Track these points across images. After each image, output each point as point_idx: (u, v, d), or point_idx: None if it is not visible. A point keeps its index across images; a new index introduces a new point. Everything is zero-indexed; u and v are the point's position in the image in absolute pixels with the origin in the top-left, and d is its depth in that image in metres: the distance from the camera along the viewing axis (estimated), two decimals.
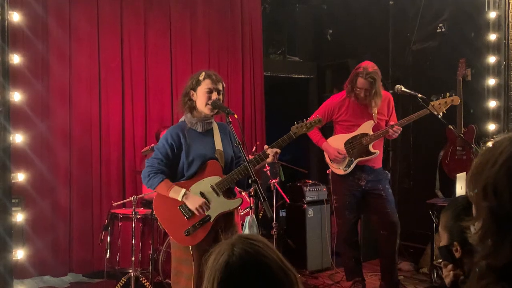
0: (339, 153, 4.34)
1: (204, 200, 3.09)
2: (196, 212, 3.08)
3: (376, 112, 4.32)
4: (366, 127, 4.31)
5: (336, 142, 4.41)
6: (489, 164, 1.03)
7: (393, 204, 4.41)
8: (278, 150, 3.09)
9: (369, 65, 4.24)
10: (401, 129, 4.24)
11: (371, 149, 4.30)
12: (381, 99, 4.33)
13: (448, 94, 4.09)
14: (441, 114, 4.01)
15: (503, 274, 0.97)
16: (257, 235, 1.32)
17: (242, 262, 1.20)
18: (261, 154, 3.10)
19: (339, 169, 4.41)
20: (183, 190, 3.07)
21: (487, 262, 1.00)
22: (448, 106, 4.07)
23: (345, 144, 4.35)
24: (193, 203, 3.08)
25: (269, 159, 3.10)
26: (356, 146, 4.31)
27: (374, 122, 4.32)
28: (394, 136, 4.27)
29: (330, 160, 4.46)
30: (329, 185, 4.73)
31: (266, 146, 3.14)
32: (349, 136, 4.36)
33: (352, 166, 4.34)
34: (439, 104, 4.04)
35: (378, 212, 4.42)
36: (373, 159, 4.37)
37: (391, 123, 4.33)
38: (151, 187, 3.14)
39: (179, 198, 3.07)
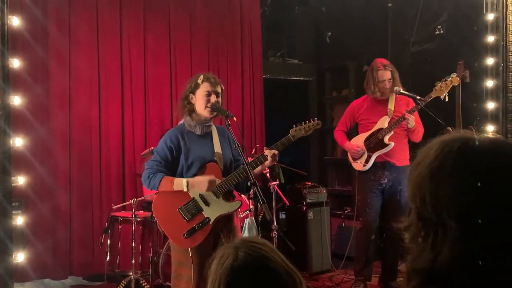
0: (358, 147, 4.47)
1: (209, 177, 3.08)
2: (209, 190, 3.08)
3: (393, 108, 4.44)
4: (382, 122, 4.45)
5: (356, 141, 4.57)
6: (419, 165, 1.03)
7: (405, 208, 4.45)
8: (276, 152, 3.10)
9: (381, 60, 4.56)
10: (413, 117, 4.29)
11: (386, 141, 4.39)
12: (401, 98, 4.47)
13: (450, 77, 4.20)
14: (446, 97, 4.18)
15: (426, 276, 0.97)
16: (260, 238, 1.33)
17: (247, 266, 1.21)
18: (260, 156, 3.12)
19: (359, 164, 4.51)
20: (185, 180, 3.08)
21: (411, 264, 1.01)
22: (449, 87, 4.21)
23: (365, 141, 4.49)
24: (200, 186, 3.08)
25: (267, 162, 3.11)
26: (373, 141, 4.44)
27: (389, 117, 4.42)
28: (409, 124, 4.30)
29: (351, 157, 4.59)
30: (332, 187, 4.83)
31: (265, 148, 3.16)
32: (367, 134, 4.50)
33: (371, 161, 4.44)
34: (441, 87, 4.19)
35: (389, 212, 4.53)
36: (392, 156, 4.43)
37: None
38: (153, 188, 3.15)
39: (184, 189, 3.07)
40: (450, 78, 4.20)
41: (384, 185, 4.47)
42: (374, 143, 4.43)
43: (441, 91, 4.18)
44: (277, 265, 1.23)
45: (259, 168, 3.17)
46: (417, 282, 0.98)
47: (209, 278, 1.26)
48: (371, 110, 4.53)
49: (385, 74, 4.42)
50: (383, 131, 4.39)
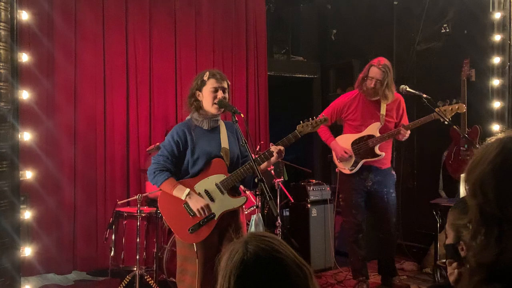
0: (345, 152, 4.39)
1: (206, 202, 3.10)
2: (197, 213, 3.09)
3: (385, 113, 4.36)
4: (373, 129, 4.36)
5: (344, 142, 4.46)
6: (479, 163, 1.06)
7: (394, 209, 4.50)
8: (282, 148, 3.09)
9: (382, 58, 4.34)
10: (409, 132, 4.27)
11: (377, 151, 4.35)
12: (392, 99, 4.37)
13: (454, 101, 4.14)
14: (446, 121, 4.04)
15: (492, 271, 0.99)
16: (269, 233, 1.33)
17: (257, 258, 1.21)
18: (266, 152, 3.11)
19: (345, 169, 4.46)
20: (187, 190, 3.08)
21: (476, 259, 1.03)
22: (453, 113, 4.12)
23: (352, 144, 4.40)
24: (195, 204, 3.08)
25: (273, 158, 3.10)
26: (362, 147, 4.37)
27: (381, 124, 4.35)
28: (403, 139, 4.30)
29: (337, 159, 4.51)
30: (336, 184, 4.78)
31: (271, 144, 3.15)
32: (356, 136, 4.41)
33: (358, 167, 4.39)
34: (445, 110, 4.07)
35: (378, 215, 4.54)
36: (379, 161, 4.41)
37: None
38: (156, 184, 3.15)
39: (183, 198, 3.08)
40: (457, 106, 4.10)
41: (369, 187, 4.44)
42: (364, 149, 4.36)
43: (444, 115, 4.05)
44: (287, 258, 1.22)
45: (265, 164, 3.16)
46: (482, 277, 0.99)
47: (219, 274, 1.26)
48: (362, 111, 4.41)
49: (376, 72, 4.24)
50: (375, 140, 4.31)
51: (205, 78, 3.19)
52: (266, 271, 1.21)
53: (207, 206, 3.10)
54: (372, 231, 4.84)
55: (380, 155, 4.33)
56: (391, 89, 4.31)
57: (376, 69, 4.25)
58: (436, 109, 4.05)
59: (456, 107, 4.10)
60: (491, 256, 0.98)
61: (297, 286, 1.21)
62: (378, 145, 4.33)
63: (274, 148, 3.08)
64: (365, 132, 4.37)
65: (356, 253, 4.55)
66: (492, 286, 0.98)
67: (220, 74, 3.23)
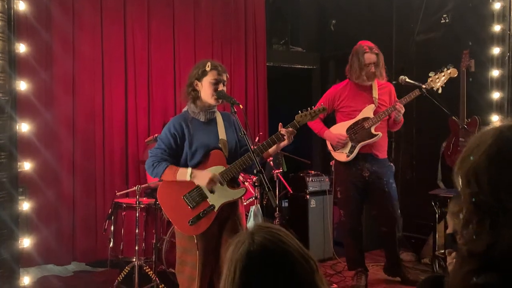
0: (342, 136, 4.32)
1: (212, 174, 3.07)
2: (208, 187, 3.08)
3: (377, 96, 4.33)
4: (367, 111, 4.32)
5: (338, 130, 4.41)
6: (473, 152, 1.05)
7: (395, 200, 4.43)
8: (293, 130, 3.04)
9: (367, 42, 4.38)
10: (403, 108, 4.21)
11: (373, 131, 4.29)
12: (383, 86, 4.37)
13: (445, 68, 4.11)
14: (440, 89, 4.03)
15: (484, 260, 0.98)
16: (275, 225, 1.33)
17: (263, 250, 1.20)
18: (278, 134, 3.05)
19: (342, 154, 4.37)
20: (189, 169, 3.07)
21: (467, 248, 1.02)
22: (447, 79, 4.09)
23: (347, 130, 4.34)
24: (202, 180, 3.07)
25: (285, 142, 3.07)
26: (358, 131, 4.30)
27: (375, 106, 4.32)
28: (398, 116, 4.23)
29: (333, 147, 4.45)
30: (332, 176, 4.75)
31: (280, 125, 3.08)
32: (350, 122, 4.35)
33: (355, 152, 4.31)
34: (437, 78, 4.07)
35: (380, 207, 4.47)
36: (377, 147, 4.36)
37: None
38: (157, 176, 3.14)
39: (188, 178, 3.06)
40: (449, 71, 4.08)
41: (366, 178, 4.37)
42: (360, 133, 4.29)
43: (439, 82, 4.05)
44: (294, 250, 1.22)
45: (273, 148, 3.13)
46: (473, 267, 0.99)
47: (224, 265, 1.25)
48: (354, 97, 4.37)
49: (371, 57, 4.27)
50: (370, 121, 4.25)
51: (207, 69, 3.15)
52: (272, 262, 1.20)
53: (215, 176, 3.07)
54: (373, 222, 4.83)
55: (377, 135, 4.26)
56: (384, 66, 4.36)
57: (370, 54, 4.28)
58: (429, 79, 4.08)
59: (449, 72, 4.08)
60: (484, 245, 0.98)
61: (303, 279, 1.21)
62: (374, 126, 4.27)
63: (285, 131, 3.03)
64: (359, 116, 4.33)
65: (352, 245, 4.54)
66: (487, 275, 0.97)
67: (222, 67, 3.21)
